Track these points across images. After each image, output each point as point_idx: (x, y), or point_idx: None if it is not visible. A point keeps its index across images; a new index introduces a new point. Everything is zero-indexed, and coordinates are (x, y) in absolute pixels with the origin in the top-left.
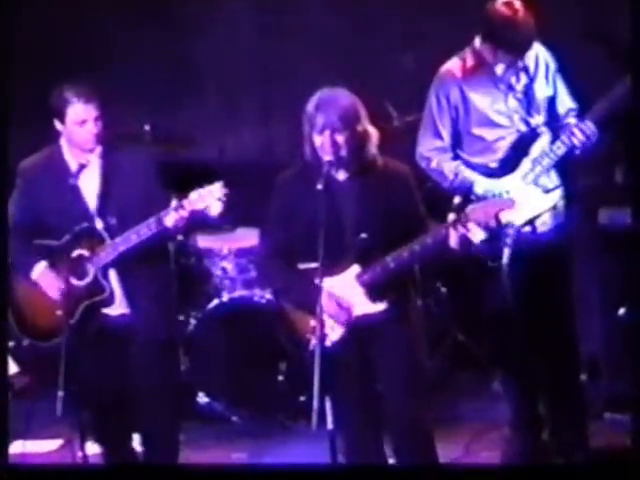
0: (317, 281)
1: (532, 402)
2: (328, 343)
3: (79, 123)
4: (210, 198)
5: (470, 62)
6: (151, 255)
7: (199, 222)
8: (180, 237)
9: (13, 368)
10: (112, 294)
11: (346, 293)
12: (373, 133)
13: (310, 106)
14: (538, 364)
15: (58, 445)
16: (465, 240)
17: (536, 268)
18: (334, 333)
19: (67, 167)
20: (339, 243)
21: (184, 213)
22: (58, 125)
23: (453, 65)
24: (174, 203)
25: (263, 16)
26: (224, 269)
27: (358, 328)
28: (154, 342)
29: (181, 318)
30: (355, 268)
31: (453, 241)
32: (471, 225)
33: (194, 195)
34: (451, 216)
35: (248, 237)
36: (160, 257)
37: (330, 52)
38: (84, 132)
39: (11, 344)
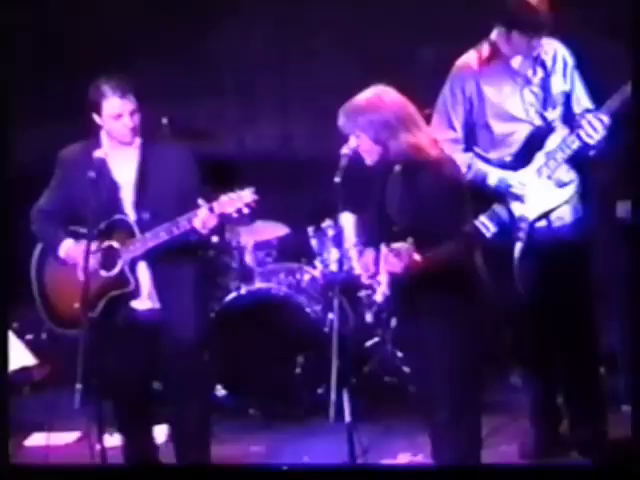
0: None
1: (550, 395)
2: (379, 299)
3: (115, 117)
4: (240, 203)
5: (486, 55)
6: (182, 251)
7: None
8: (215, 238)
9: (31, 360)
10: (138, 288)
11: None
12: (403, 138)
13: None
14: (556, 357)
15: (76, 437)
16: (394, 269)
17: (552, 262)
18: (378, 294)
19: (104, 159)
20: (384, 227)
21: (213, 216)
22: (96, 118)
23: (469, 58)
24: (204, 205)
25: (281, 10)
26: (242, 262)
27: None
28: (183, 338)
29: None
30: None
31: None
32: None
33: (224, 198)
34: (395, 244)
35: (266, 230)
36: (191, 253)
37: (348, 46)
38: (120, 126)
39: (29, 337)
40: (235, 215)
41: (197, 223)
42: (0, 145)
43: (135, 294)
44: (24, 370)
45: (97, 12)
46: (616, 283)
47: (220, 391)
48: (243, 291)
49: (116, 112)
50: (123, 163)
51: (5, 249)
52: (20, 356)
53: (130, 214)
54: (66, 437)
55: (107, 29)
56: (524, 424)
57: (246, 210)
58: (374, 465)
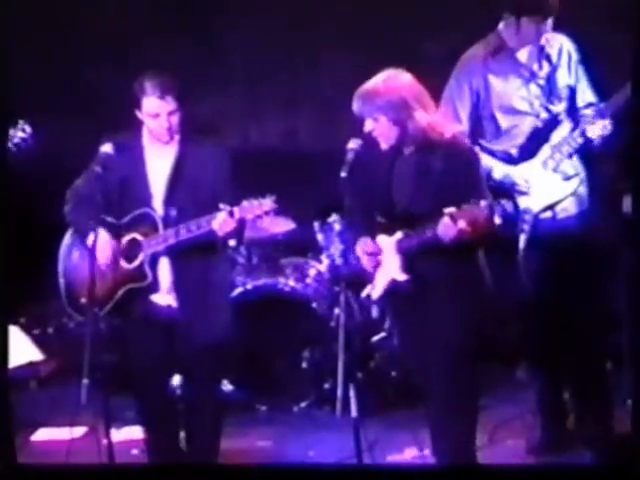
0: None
1: (557, 389)
2: (374, 296)
3: (152, 116)
4: (259, 210)
5: (493, 48)
6: (205, 250)
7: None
8: (233, 242)
9: (38, 356)
10: (156, 283)
11: (385, 255)
12: (419, 117)
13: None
14: (562, 351)
15: (83, 432)
16: (450, 234)
17: (557, 254)
18: (375, 290)
19: (142, 152)
20: (393, 210)
21: (232, 221)
22: (137, 113)
23: (476, 51)
24: (225, 209)
25: (289, 3)
26: (248, 257)
27: (391, 292)
28: (200, 337)
29: None
30: (398, 235)
31: (440, 230)
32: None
33: (245, 204)
34: (448, 209)
35: (272, 225)
36: (213, 252)
37: (356, 38)
38: (157, 125)
39: (36, 332)
40: (253, 222)
41: (215, 225)
42: (1, 139)
43: (152, 289)
44: (31, 365)
45: (103, 4)
46: (621, 277)
47: (227, 386)
48: (249, 286)
49: (154, 111)
50: (159, 158)
51: (8, 246)
52: (27, 351)
53: (158, 209)
54: (73, 432)
55: (113, 22)
56: (530, 419)
57: (265, 218)
58: (375, 464)
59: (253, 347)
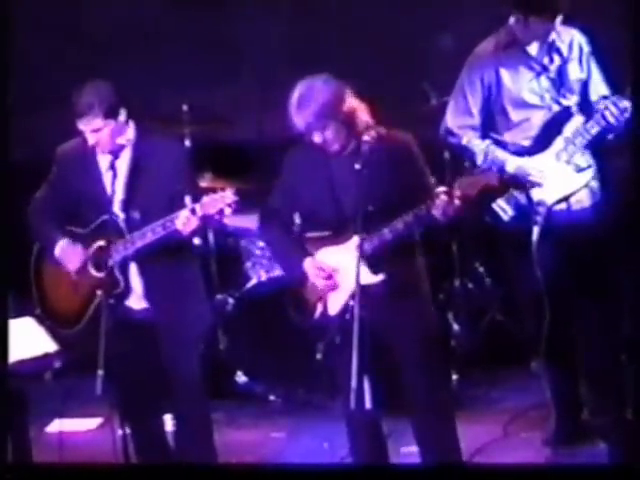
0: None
1: (572, 382)
2: (331, 313)
3: (83, 131)
4: (222, 204)
5: (504, 41)
6: (173, 250)
7: (215, 226)
8: (197, 240)
9: (53, 347)
10: (128, 288)
11: (346, 264)
12: (359, 108)
13: (290, 105)
14: (577, 343)
15: (98, 424)
16: (448, 211)
17: (570, 247)
18: (335, 304)
19: (96, 157)
20: (341, 216)
21: (195, 218)
22: None
23: (487, 45)
24: (187, 206)
25: None
26: (262, 248)
27: (364, 299)
28: (178, 338)
29: (219, 297)
30: (355, 240)
31: (437, 211)
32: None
33: (206, 200)
34: (440, 188)
35: None
36: (182, 252)
37: (367, 32)
38: (90, 140)
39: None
40: (217, 217)
41: (179, 225)
42: (1, 134)
43: (126, 294)
44: (45, 357)
45: None
46: (635, 269)
47: (241, 377)
48: (263, 277)
49: (80, 128)
50: (115, 162)
51: (22, 238)
52: (41, 343)
53: (119, 213)
54: (88, 423)
55: (125, 14)
56: (545, 411)
57: (228, 211)
58: (377, 464)
59: (267, 338)
